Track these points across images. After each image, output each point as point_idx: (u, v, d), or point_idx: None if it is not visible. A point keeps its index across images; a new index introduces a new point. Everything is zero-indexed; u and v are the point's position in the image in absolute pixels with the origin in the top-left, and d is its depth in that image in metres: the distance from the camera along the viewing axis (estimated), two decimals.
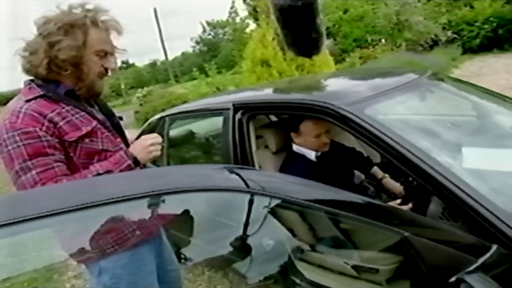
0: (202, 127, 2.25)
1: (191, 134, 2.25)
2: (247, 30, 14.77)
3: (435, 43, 9.64)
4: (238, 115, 1.53)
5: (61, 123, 0.96)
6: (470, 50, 9.86)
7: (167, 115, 2.00)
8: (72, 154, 0.98)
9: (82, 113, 1.02)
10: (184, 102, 7.63)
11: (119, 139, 1.10)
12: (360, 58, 9.27)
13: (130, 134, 1.28)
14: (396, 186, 1.62)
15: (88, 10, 1.00)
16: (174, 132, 2.09)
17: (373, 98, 1.31)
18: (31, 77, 1.02)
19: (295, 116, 1.55)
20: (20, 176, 0.91)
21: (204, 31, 33.75)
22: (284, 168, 1.56)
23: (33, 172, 0.91)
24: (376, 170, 1.76)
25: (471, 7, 10.46)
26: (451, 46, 9.56)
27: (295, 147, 1.58)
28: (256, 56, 4.48)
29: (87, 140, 1.00)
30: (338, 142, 1.75)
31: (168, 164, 1.96)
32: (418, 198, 1.18)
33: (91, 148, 1.01)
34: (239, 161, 1.50)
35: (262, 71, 4.44)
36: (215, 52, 28.39)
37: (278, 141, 1.67)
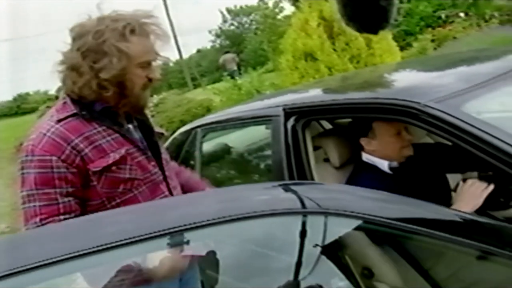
0: (238, 139, 2.32)
1: (227, 148, 2.33)
2: (281, 15, 14.96)
3: None
4: (290, 122, 1.57)
5: (86, 150, 1.09)
6: None
7: (198, 126, 2.09)
8: (95, 183, 1.11)
9: (115, 135, 1.14)
10: (208, 110, 7.86)
11: (153, 163, 1.20)
12: (432, 41, 9.03)
13: None
14: None
15: (126, 16, 1.11)
16: (207, 146, 2.17)
17: (469, 91, 1.30)
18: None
19: (363, 118, 1.56)
20: (25, 203, 1.08)
21: (225, 21, 34.56)
22: (352, 183, 1.57)
23: (37, 203, 1.06)
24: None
25: None
26: None
27: (365, 157, 1.59)
28: (298, 48, 4.54)
29: (113, 168, 1.11)
30: (421, 143, 1.73)
31: None
32: None
33: (117, 177, 1.13)
34: (295, 179, 1.53)
35: (306, 66, 4.48)
36: (240, 47, 28.93)
37: (342, 153, 1.68)
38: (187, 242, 0.85)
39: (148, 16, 1.14)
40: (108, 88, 1.10)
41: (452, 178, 1.68)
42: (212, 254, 1.00)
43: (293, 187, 1.04)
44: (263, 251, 1.06)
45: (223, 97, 7.27)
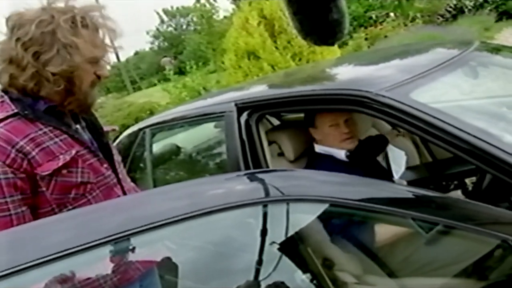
0: (190, 138, 2.26)
1: (177, 149, 2.26)
2: (219, 15, 14.95)
3: (459, 11, 9.86)
4: (243, 117, 1.55)
5: (33, 153, 0.99)
6: (507, 14, 9.72)
7: (147, 126, 2.01)
8: (44, 189, 1.01)
9: (63, 136, 1.05)
10: (151, 113, 7.63)
11: (105, 165, 1.13)
12: (366, 39, 9.52)
13: None
14: None
15: (74, 7, 1.02)
16: (157, 147, 2.09)
17: (413, 81, 1.36)
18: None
19: (309, 109, 1.59)
20: None
21: (162, 22, 33.82)
22: None
23: None
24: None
25: None
26: (480, 12, 9.68)
27: (317, 148, 1.62)
28: (240, 47, 4.55)
29: (64, 171, 1.03)
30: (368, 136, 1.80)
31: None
32: (495, 196, 1.22)
33: (68, 181, 1.04)
34: None
35: (249, 65, 4.50)
36: (179, 48, 28.50)
37: (296, 146, 1.70)
38: (138, 247, 0.80)
39: (98, 9, 1.06)
40: (59, 84, 1.01)
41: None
42: (171, 258, 0.95)
43: (254, 176, 1.02)
44: (221, 249, 1.03)
45: (172, 96, 7.13)
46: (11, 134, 0.97)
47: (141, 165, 2.07)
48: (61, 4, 1.02)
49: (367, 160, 1.60)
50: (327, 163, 1.56)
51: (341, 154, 1.57)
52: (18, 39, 0.97)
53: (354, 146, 1.58)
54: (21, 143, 0.98)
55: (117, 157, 1.22)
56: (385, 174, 1.69)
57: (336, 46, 5.15)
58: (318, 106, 1.50)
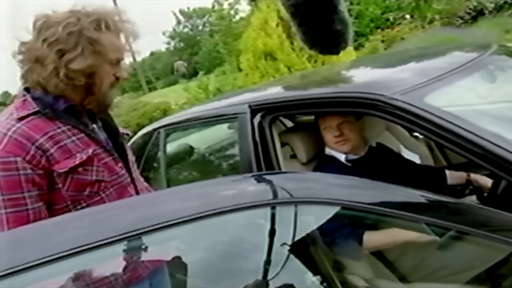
0: (204, 139, 2.28)
1: (190, 149, 2.28)
2: (236, 17, 14.99)
3: (479, 13, 9.69)
4: (257, 119, 1.56)
5: (52, 150, 1.03)
6: None
7: (161, 126, 2.03)
8: (60, 186, 1.05)
9: (81, 135, 1.09)
10: (165, 113, 7.72)
11: (120, 164, 1.16)
12: (382, 41, 9.43)
13: None
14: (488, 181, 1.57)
15: (99, 11, 1.07)
16: (171, 147, 2.11)
17: (428, 84, 1.35)
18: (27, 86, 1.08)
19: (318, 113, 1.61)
20: None
21: (179, 22, 34.14)
22: None
23: (2, 210, 1.00)
24: (454, 174, 1.76)
25: None
26: (501, 14, 9.53)
27: (327, 150, 1.65)
28: (258, 48, 4.56)
29: (80, 169, 1.07)
30: (387, 146, 1.78)
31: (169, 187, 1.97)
32: (510, 202, 1.20)
33: (83, 179, 1.08)
34: None
35: (266, 66, 4.51)
36: (194, 49, 28.70)
37: (309, 148, 1.70)
38: (149, 246, 0.81)
39: (121, 13, 1.11)
40: (80, 79, 1.05)
41: None
42: (181, 257, 0.97)
43: (265, 178, 1.03)
44: (231, 249, 1.04)
45: (189, 96, 7.20)
46: (32, 132, 1.01)
47: (155, 165, 2.10)
48: (86, 8, 1.06)
49: (372, 168, 1.59)
50: (331, 165, 1.58)
51: (341, 157, 1.59)
52: (45, 40, 1.01)
53: (348, 149, 1.59)
54: (41, 140, 1.01)
55: (131, 157, 1.25)
56: (399, 181, 1.66)
57: (352, 48, 5.13)
58: (331, 109, 1.50)
